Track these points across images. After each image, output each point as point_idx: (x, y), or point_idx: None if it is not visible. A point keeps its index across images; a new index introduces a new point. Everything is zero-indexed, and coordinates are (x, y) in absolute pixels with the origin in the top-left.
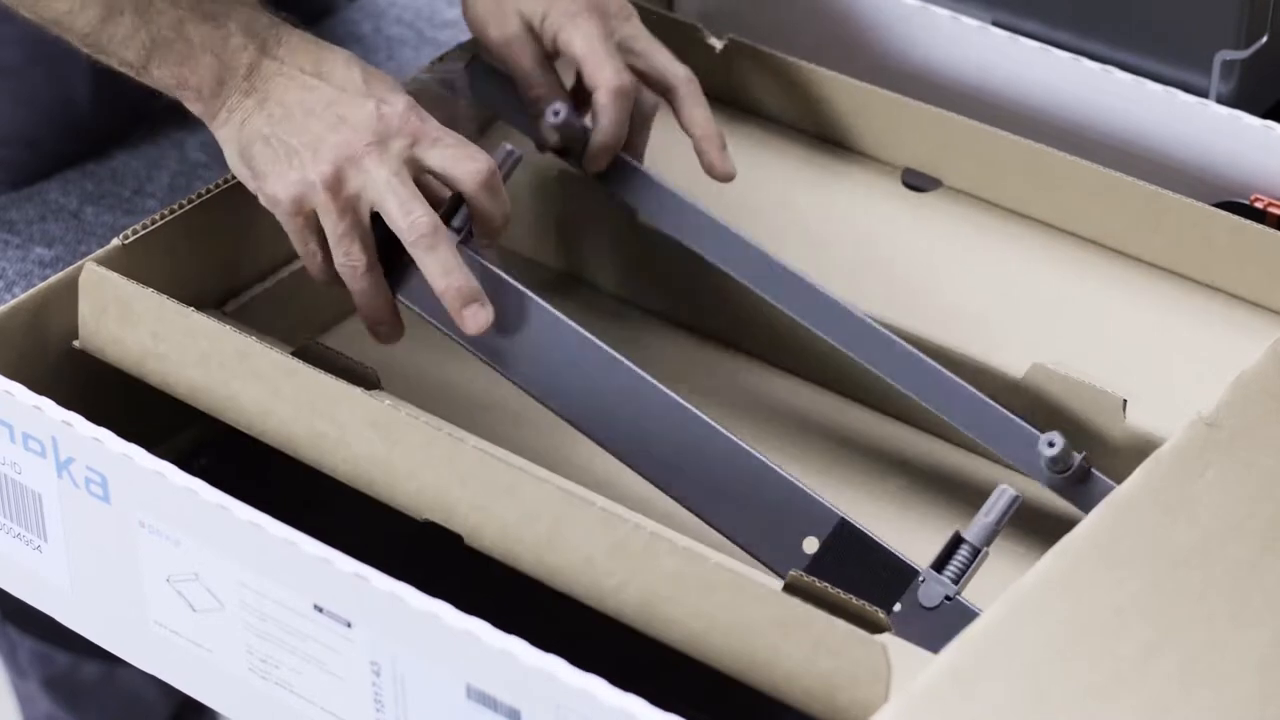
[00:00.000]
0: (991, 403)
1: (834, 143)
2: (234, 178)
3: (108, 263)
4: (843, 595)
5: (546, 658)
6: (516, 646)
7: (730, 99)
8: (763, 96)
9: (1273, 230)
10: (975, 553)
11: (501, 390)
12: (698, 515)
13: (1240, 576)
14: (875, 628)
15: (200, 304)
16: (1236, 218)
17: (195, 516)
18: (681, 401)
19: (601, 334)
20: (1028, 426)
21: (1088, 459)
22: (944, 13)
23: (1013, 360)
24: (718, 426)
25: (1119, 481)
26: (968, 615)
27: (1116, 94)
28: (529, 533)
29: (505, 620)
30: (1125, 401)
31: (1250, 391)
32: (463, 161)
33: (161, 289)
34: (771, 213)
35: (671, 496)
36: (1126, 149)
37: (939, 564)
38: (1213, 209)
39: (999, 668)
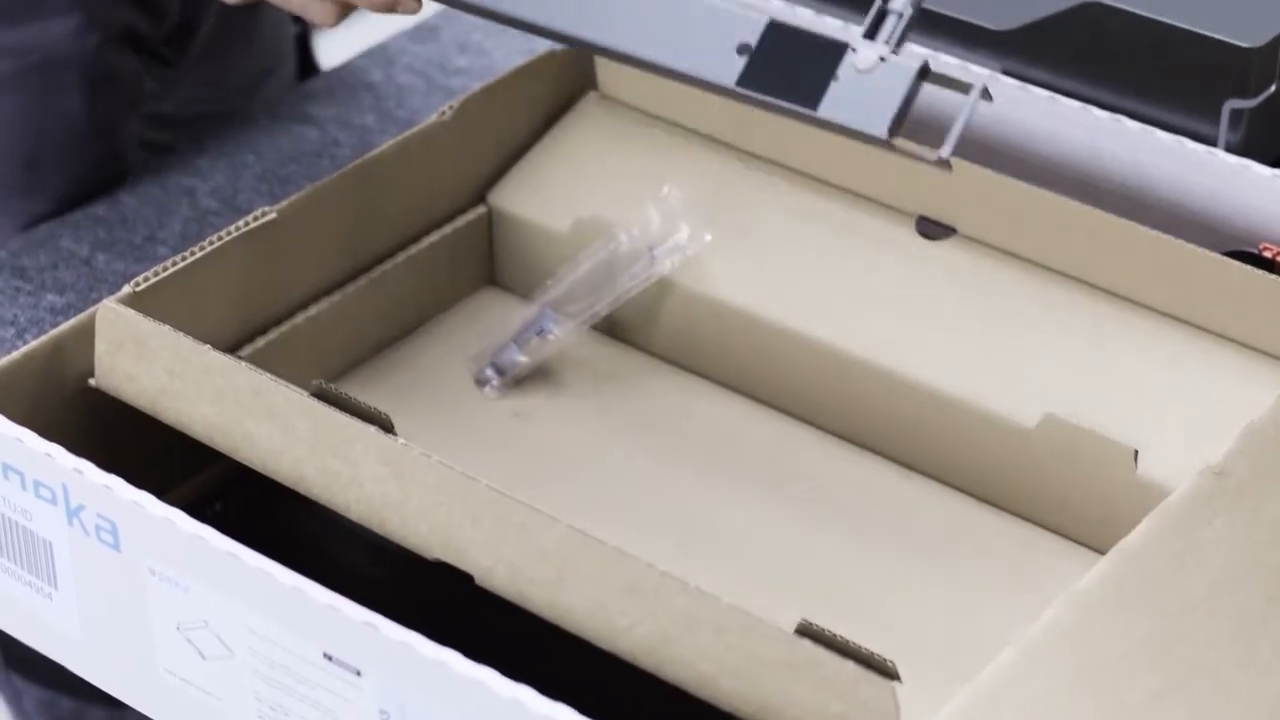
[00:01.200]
0: None
1: (847, 190)
2: (246, 225)
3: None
4: (853, 643)
5: (556, 706)
6: (526, 695)
7: (744, 147)
8: (776, 144)
9: None
10: (904, 13)
11: (511, 443)
12: (638, 58)
13: (1248, 624)
14: (885, 672)
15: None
16: (1246, 266)
17: (205, 564)
18: None
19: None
20: None
21: None
22: (954, 61)
23: (1024, 410)
24: None
25: (1129, 531)
26: (905, 73)
27: (1126, 143)
28: (540, 573)
29: (515, 662)
30: (1136, 452)
31: (1259, 441)
32: None
33: None
34: (784, 259)
35: (615, 48)
36: (1136, 197)
37: (870, 32)
38: (1222, 257)
39: (1008, 713)
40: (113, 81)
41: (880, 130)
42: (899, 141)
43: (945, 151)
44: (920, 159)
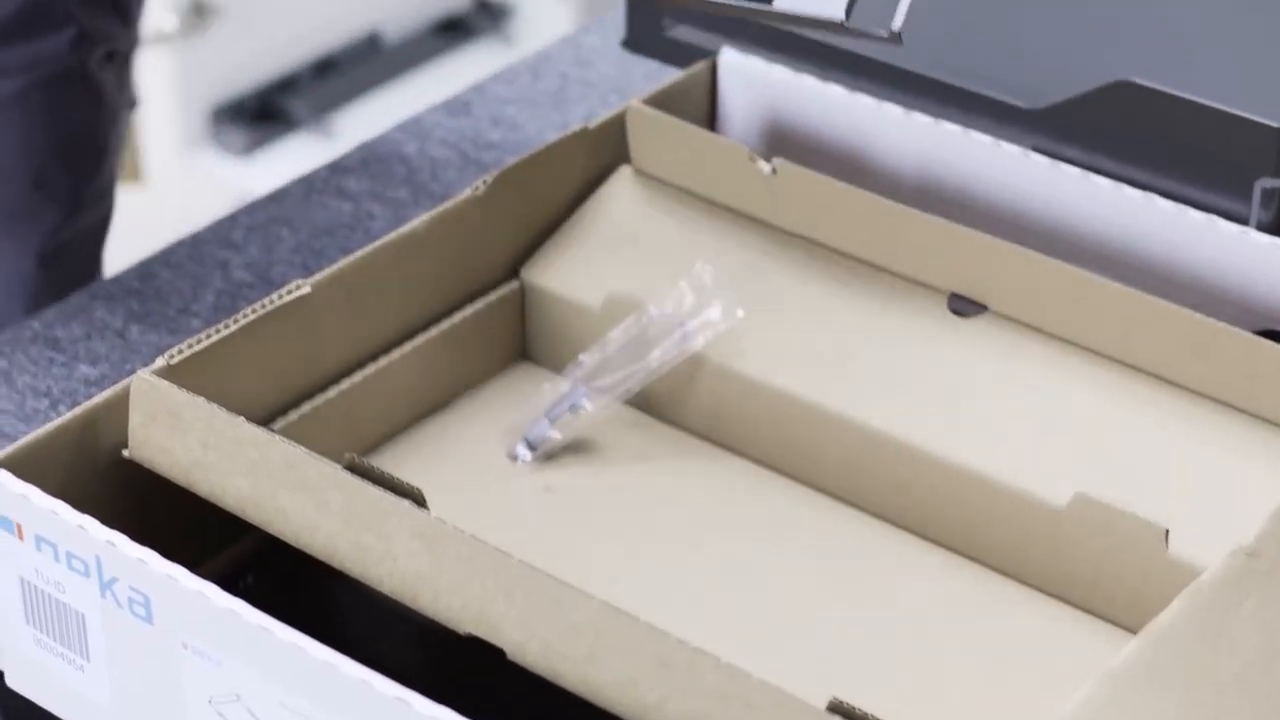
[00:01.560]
0: None
1: (879, 267)
2: (280, 298)
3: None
4: None
5: None
6: None
7: (777, 223)
8: (809, 220)
9: None
10: None
11: (543, 517)
12: None
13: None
14: None
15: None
16: (1278, 345)
17: (237, 637)
18: None
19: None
20: None
21: None
22: (985, 139)
23: (1055, 489)
24: None
25: (1160, 610)
26: None
27: (1158, 221)
28: (572, 648)
29: None
30: (1167, 531)
31: None
32: None
33: None
34: (816, 336)
35: None
36: (1168, 275)
37: None
38: (1254, 336)
39: None
40: (107, 91)
41: (838, 13)
42: (852, 23)
43: (896, 24)
44: (873, 36)
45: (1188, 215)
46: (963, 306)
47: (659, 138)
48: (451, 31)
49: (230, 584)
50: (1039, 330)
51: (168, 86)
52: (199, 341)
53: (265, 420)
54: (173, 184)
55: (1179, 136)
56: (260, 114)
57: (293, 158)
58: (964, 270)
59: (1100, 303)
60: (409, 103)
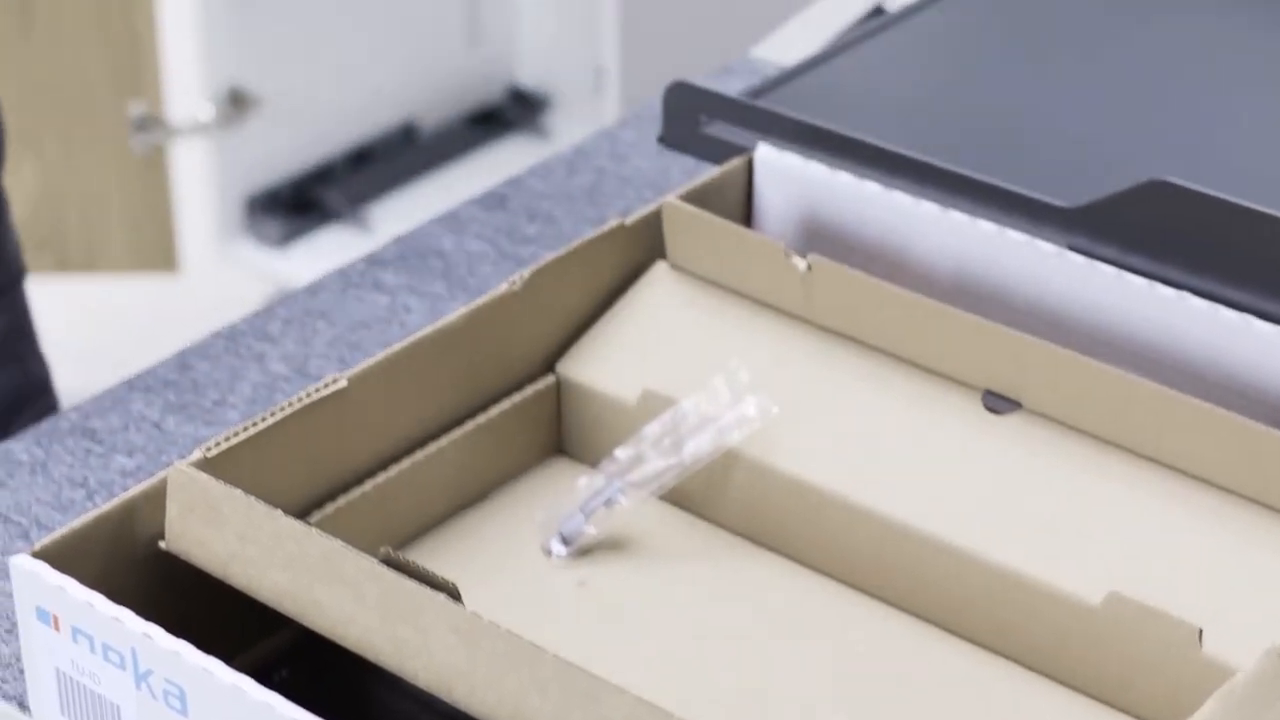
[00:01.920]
0: None
1: (914, 364)
2: (316, 392)
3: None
4: None
5: None
6: None
7: (812, 319)
8: (845, 316)
9: None
10: None
11: (578, 612)
12: None
13: None
14: None
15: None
16: None
17: None
18: None
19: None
20: None
21: None
22: (1021, 237)
23: (1088, 587)
24: None
25: (1194, 710)
26: None
27: (1192, 320)
28: None
29: None
30: (1201, 631)
31: None
32: None
33: None
34: (851, 432)
35: None
36: (1203, 375)
37: None
38: None
39: None
40: None
41: None
42: None
43: None
44: None
45: (1222, 314)
46: (997, 403)
47: (695, 233)
48: (487, 123)
49: (265, 677)
50: (1073, 428)
51: (204, 176)
52: (237, 434)
53: (302, 513)
54: (209, 274)
55: (1214, 236)
56: (296, 204)
57: (328, 248)
58: (999, 367)
59: (1135, 401)
60: (444, 194)
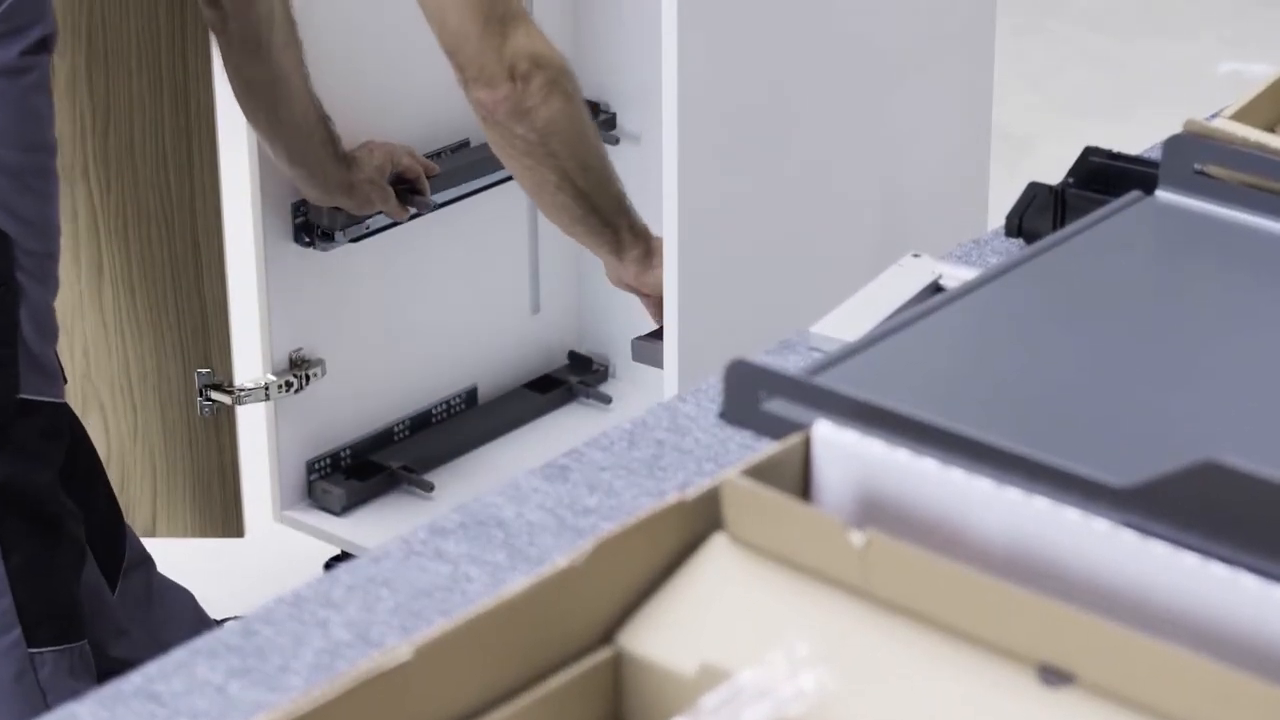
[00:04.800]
0: None
1: (970, 635)
2: (381, 664)
3: None
4: None
5: None
6: None
7: (870, 593)
8: (901, 591)
9: None
10: None
11: None
12: None
13: None
14: None
15: None
16: None
17: None
18: None
19: None
20: None
21: None
22: (1074, 514)
23: None
24: None
25: None
26: None
27: (1245, 598)
28: None
29: None
30: None
31: None
32: None
33: None
34: (907, 706)
35: None
36: (1256, 652)
37: None
38: None
39: None
40: None
41: None
42: None
43: None
44: None
45: (1274, 594)
46: (1052, 678)
47: (754, 508)
48: (547, 390)
49: None
50: (1127, 701)
51: (267, 442)
52: (300, 709)
53: None
54: (272, 539)
55: (1266, 516)
56: (357, 470)
57: (390, 513)
58: (1053, 642)
59: (1187, 677)
60: (506, 459)
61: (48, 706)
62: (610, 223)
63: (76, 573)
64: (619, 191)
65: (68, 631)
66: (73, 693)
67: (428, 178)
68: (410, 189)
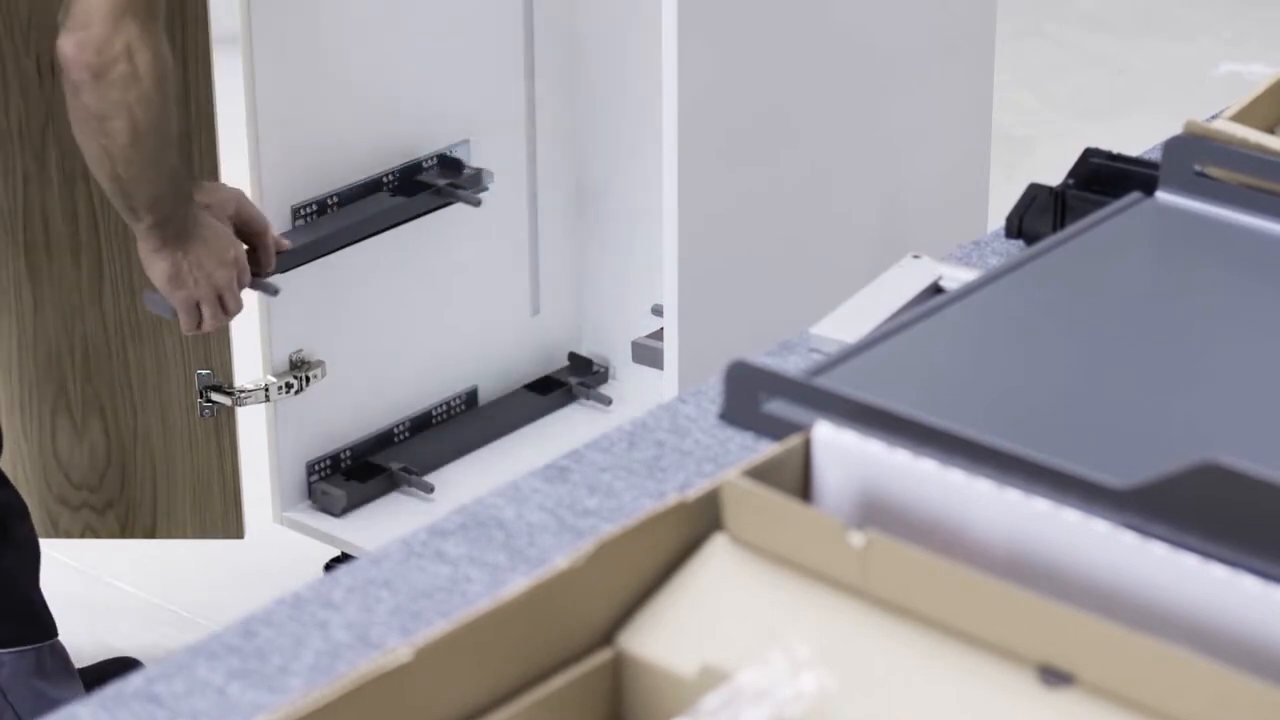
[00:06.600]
0: None
1: (970, 636)
2: (380, 666)
3: None
4: None
5: None
6: None
7: (869, 594)
8: (901, 591)
9: None
10: None
11: None
12: None
13: None
14: None
15: None
16: None
17: None
18: None
19: None
20: None
21: None
22: (1075, 516)
23: None
24: None
25: None
26: None
27: (1244, 599)
28: None
29: None
30: None
31: None
32: None
33: None
34: (906, 706)
35: None
36: (1255, 653)
37: None
38: None
39: None
40: None
41: None
42: None
43: None
44: None
45: (1274, 595)
46: (1051, 678)
47: (754, 509)
48: (547, 391)
49: None
50: (1127, 702)
51: (267, 443)
52: (300, 709)
53: None
54: (272, 541)
55: (1266, 517)
56: (357, 471)
57: (390, 514)
58: (1053, 643)
59: (1187, 678)
60: (506, 460)
61: (10, 706)
62: (135, 214)
63: (32, 572)
64: (161, 195)
65: (27, 632)
66: (38, 693)
67: (277, 253)
68: (250, 250)
